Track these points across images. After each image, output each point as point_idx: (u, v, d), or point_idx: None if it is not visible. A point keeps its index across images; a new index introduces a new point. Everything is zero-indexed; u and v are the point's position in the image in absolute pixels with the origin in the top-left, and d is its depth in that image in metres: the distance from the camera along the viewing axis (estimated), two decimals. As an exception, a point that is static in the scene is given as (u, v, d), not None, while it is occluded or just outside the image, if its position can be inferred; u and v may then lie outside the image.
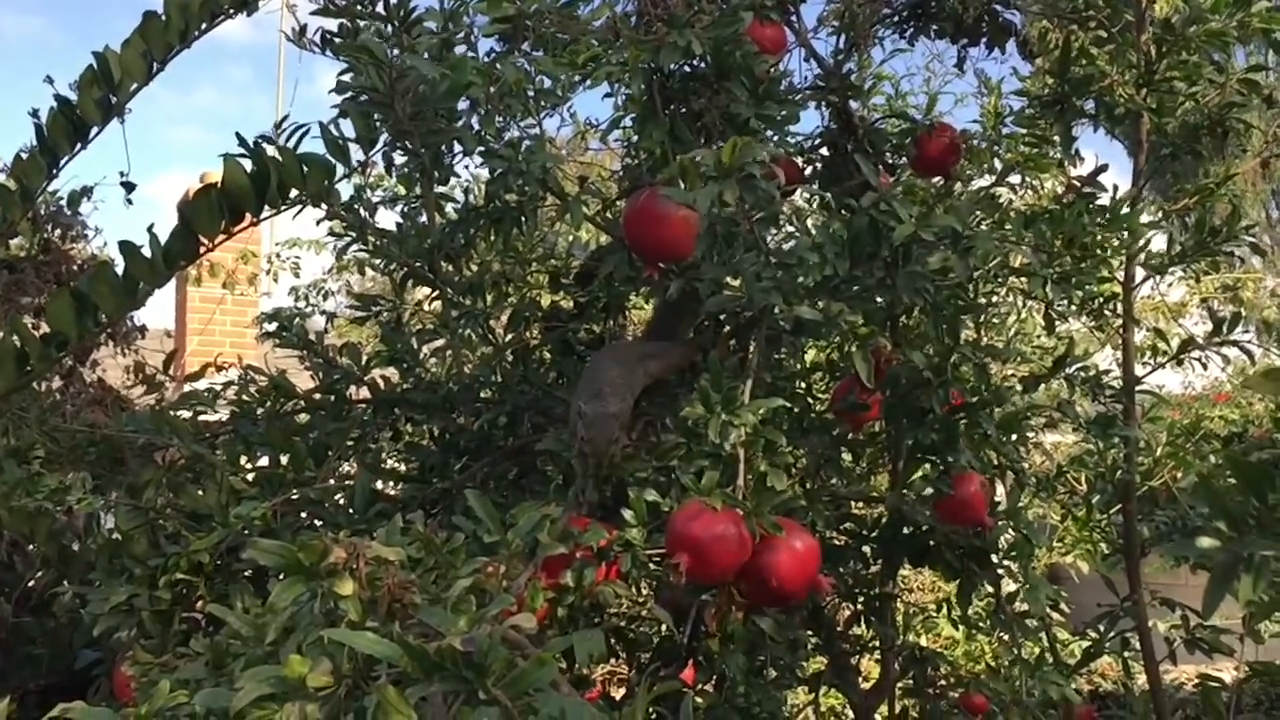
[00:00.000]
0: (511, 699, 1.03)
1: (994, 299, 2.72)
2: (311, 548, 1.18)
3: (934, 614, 3.57)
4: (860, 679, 2.84)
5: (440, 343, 2.50)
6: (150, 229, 1.92)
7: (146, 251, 1.91)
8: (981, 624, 2.75)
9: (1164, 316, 5.01)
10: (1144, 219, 2.08)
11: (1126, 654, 2.50)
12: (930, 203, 1.93)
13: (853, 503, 2.66)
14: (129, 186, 2.31)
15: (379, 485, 2.33)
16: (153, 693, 1.40)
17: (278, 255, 7.82)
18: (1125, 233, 1.93)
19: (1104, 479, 2.50)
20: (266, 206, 1.91)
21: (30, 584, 2.77)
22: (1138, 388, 2.52)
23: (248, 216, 1.91)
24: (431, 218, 2.49)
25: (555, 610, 1.62)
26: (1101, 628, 2.48)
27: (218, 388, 2.56)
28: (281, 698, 1.14)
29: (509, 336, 2.59)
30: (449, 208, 2.56)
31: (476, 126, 1.90)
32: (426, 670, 1.05)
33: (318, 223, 2.55)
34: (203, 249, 1.93)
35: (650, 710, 1.78)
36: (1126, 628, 2.51)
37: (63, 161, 2.17)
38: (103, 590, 1.98)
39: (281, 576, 1.28)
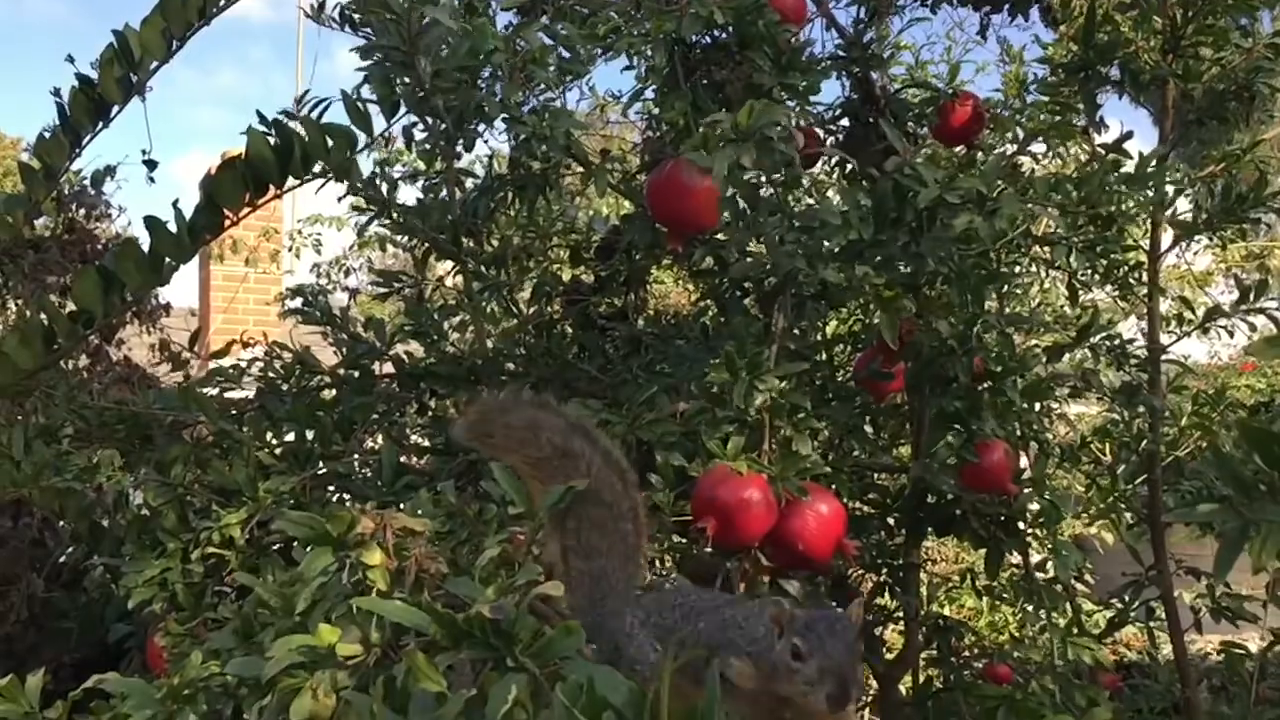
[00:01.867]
0: (539, 667, 1.04)
1: (1017, 269, 2.71)
2: (339, 519, 1.19)
3: (958, 585, 3.57)
4: (884, 649, 2.85)
5: (463, 316, 2.51)
6: (175, 204, 1.93)
7: (171, 227, 1.92)
8: (1005, 595, 2.75)
9: (1190, 286, 4.96)
10: (1169, 182, 2.06)
11: (1151, 623, 2.49)
12: (954, 169, 1.92)
13: (876, 473, 2.66)
14: (151, 164, 2.31)
15: (405, 459, 2.35)
16: (184, 664, 1.42)
17: (299, 232, 7.85)
18: (1150, 191, 1.91)
19: (1129, 448, 2.49)
20: (289, 178, 1.92)
21: (61, 560, 2.81)
22: (1163, 357, 2.50)
23: (271, 189, 1.91)
24: (452, 192, 2.50)
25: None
26: (1126, 597, 2.47)
27: (243, 365, 2.57)
28: (311, 666, 1.15)
29: (531, 310, 2.59)
30: (469, 183, 2.57)
31: (499, 94, 1.90)
32: (455, 638, 1.06)
33: (339, 199, 2.56)
34: (227, 222, 1.94)
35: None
36: (1151, 597, 2.51)
37: (85, 140, 2.18)
38: (135, 564, 2.01)
39: (310, 548, 1.29)
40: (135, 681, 1.38)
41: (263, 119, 1.97)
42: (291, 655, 1.14)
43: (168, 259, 1.95)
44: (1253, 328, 2.52)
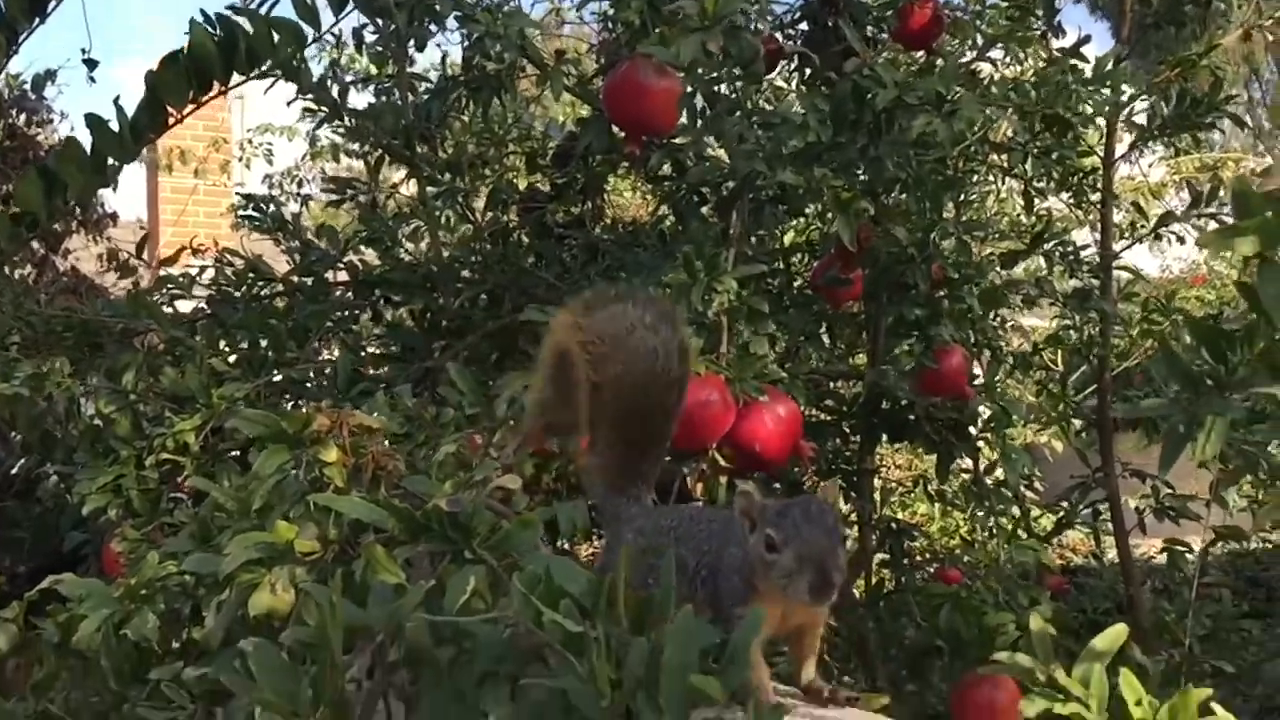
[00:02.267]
0: (497, 559, 1.05)
1: (975, 176, 2.71)
2: (295, 416, 1.19)
3: (910, 491, 3.64)
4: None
5: (418, 224, 2.48)
6: (116, 101, 1.87)
7: (114, 126, 1.87)
8: (957, 501, 2.80)
9: (1145, 197, 5.00)
10: (1126, 87, 2.06)
11: (1096, 523, 2.56)
12: (914, 73, 1.91)
13: (833, 381, 2.68)
14: (91, 64, 2.25)
15: (361, 367, 2.33)
16: (141, 564, 1.42)
17: (249, 141, 7.67)
18: (1107, 91, 1.91)
19: (1080, 354, 2.52)
20: (234, 74, 1.86)
21: (13, 471, 2.78)
22: (1115, 264, 2.52)
23: (216, 86, 1.86)
24: (405, 95, 2.44)
25: (541, 479, 1.64)
26: (1073, 499, 2.52)
27: (193, 273, 2.53)
28: (269, 562, 1.15)
29: (487, 217, 2.56)
30: (422, 89, 2.52)
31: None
32: (413, 532, 1.06)
33: (289, 103, 2.49)
34: (171, 121, 1.89)
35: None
36: (1097, 499, 2.56)
37: (22, 36, 2.10)
38: (89, 471, 1.99)
39: (265, 447, 1.28)
40: (92, 581, 1.38)
41: (206, 16, 1.91)
42: (249, 552, 1.14)
43: (111, 159, 1.90)
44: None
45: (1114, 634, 0.91)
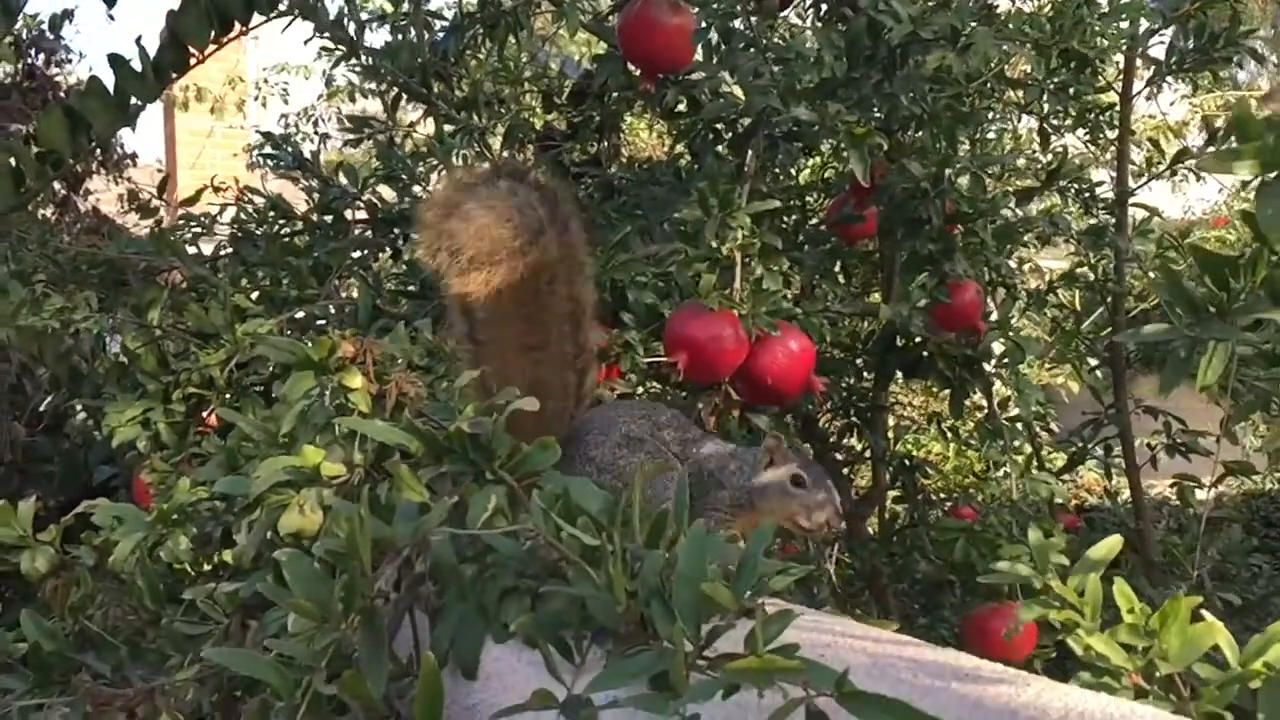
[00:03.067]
0: (517, 480, 1.08)
1: (991, 114, 2.70)
2: (321, 343, 1.22)
3: (924, 428, 3.67)
4: (853, 490, 2.94)
5: (435, 161, 2.49)
6: (138, 40, 1.89)
7: (136, 65, 1.89)
8: (972, 441, 2.83)
9: (1165, 135, 4.96)
10: (1144, 21, 2.05)
11: (1109, 459, 2.58)
12: (929, 8, 1.90)
13: (848, 318, 2.70)
14: (110, 1, 2.25)
15: (381, 304, 2.36)
16: (172, 491, 1.46)
17: (265, 81, 7.67)
18: (1124, 23, 1.90)
19: (1094, 289, 2.53)
20: (255, 14, 1.88)
21: (41, 407, 2.83)
22: (1130, 201, 2.52)
23: (237, 26, 1.87)
24: (421, 33, 2.45)
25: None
26: (1085, 434, 2.55)
27: (214, 213, 2.56)
28: (297, 485, 1.19)
29: (504, 155, 2.58)
30: (438, 26, 2.52)
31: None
32: (436, 454, 1.10)
33: (305, 41, 2.50)
34: (192, 60, 1.91)
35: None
36: (1110, 435, 2.58)
37: (42, -25, 2.12)
38: (117, 405, 2.04)
39: (291, 375, 1.32)
40: (125, 506, 1.43)
41: (226, -47, 1.92)
42: (277, 475, 1.18)
43: (133, 98, 1.92)
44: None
45: (1110, 544, 0.94)
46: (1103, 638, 0.89)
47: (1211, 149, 2.31)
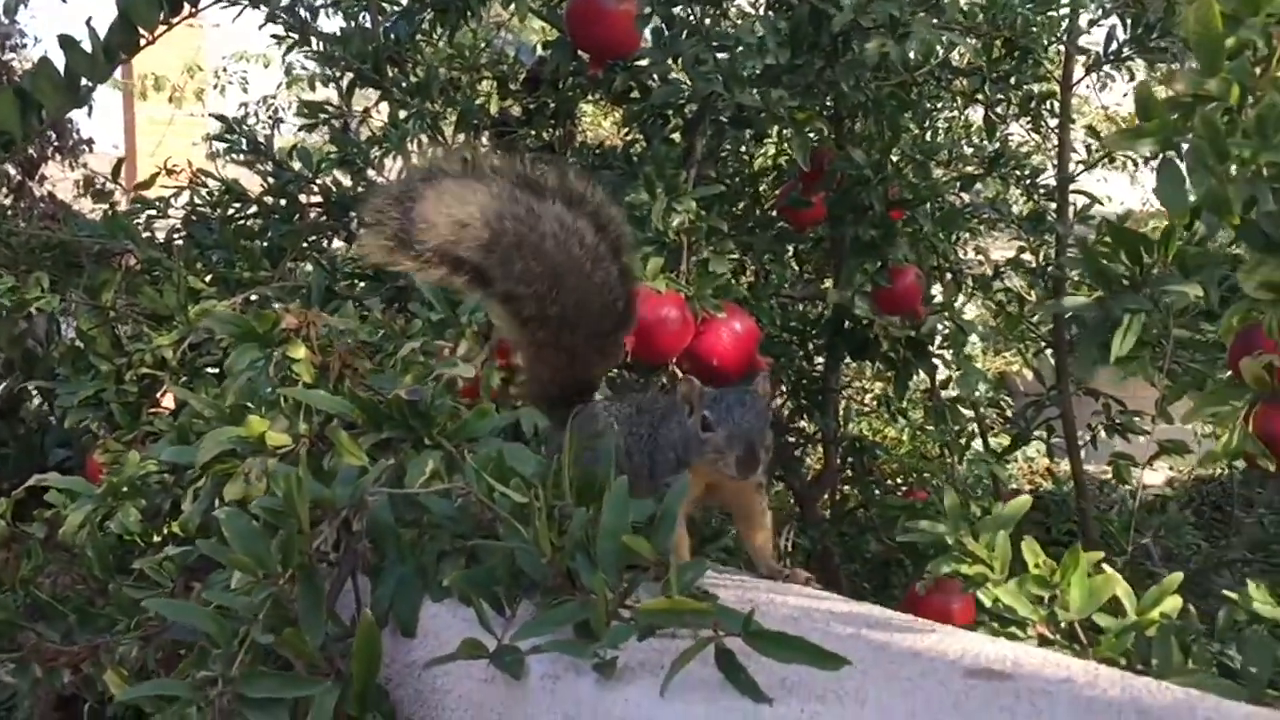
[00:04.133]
0: (454, 446, 1.12)
1: (938, 101, 2.75)
2: (265, 316, 1.25)
3: (875, 411, 3.73)
4: (805, 473, 2.99)
5: (389, 147, 2.51)
6: (88, 22, 1.90)
7: (86, 46, 1.90)
8: (926, 426, 2.88)
9: (1110, 126, 5.04)
10: (1079, 7, 2.10)
11: (1049, 441, 2.64)
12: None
13: (799, 303, 2.75)
14: (64, -15, 2.26)
15: (334, 287, 2.38)
16: (122, 464, 1.49)
17: (224, 69, 7.62)
18: (1056, 11, 1.96)
19: (1036, 274, 2.59)
20: (206, -4, 1.89)
21: (-4, 391, 2.83)
22: (1072, 188, 2.58)
23: (187, 7, 1.89)
24: (374, 19, 2.47)
25: (507, 389, 1.71)
26: (1027, 415, 2.61)
27: (169, 197, 2.57)
28: (243, 454, 1.22)
29: (458, 140, 2.60)
30: (389, 10, 2.54)
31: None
32: (376, 421, 1.14)
33: (260, 26, 2.51)
34: (144, 42, 1.92)
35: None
36: (1052, 416, 2.64)
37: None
38: (71, 385, 2.05)
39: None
40: (76, 479, 1.45)
41: (177, -64, 1.93)
42: (223, 444, 1.21)
43: (84, 79, 1.93)
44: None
45: (1018, 504, 0.99)
46: (1009, 589, 0.94)
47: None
